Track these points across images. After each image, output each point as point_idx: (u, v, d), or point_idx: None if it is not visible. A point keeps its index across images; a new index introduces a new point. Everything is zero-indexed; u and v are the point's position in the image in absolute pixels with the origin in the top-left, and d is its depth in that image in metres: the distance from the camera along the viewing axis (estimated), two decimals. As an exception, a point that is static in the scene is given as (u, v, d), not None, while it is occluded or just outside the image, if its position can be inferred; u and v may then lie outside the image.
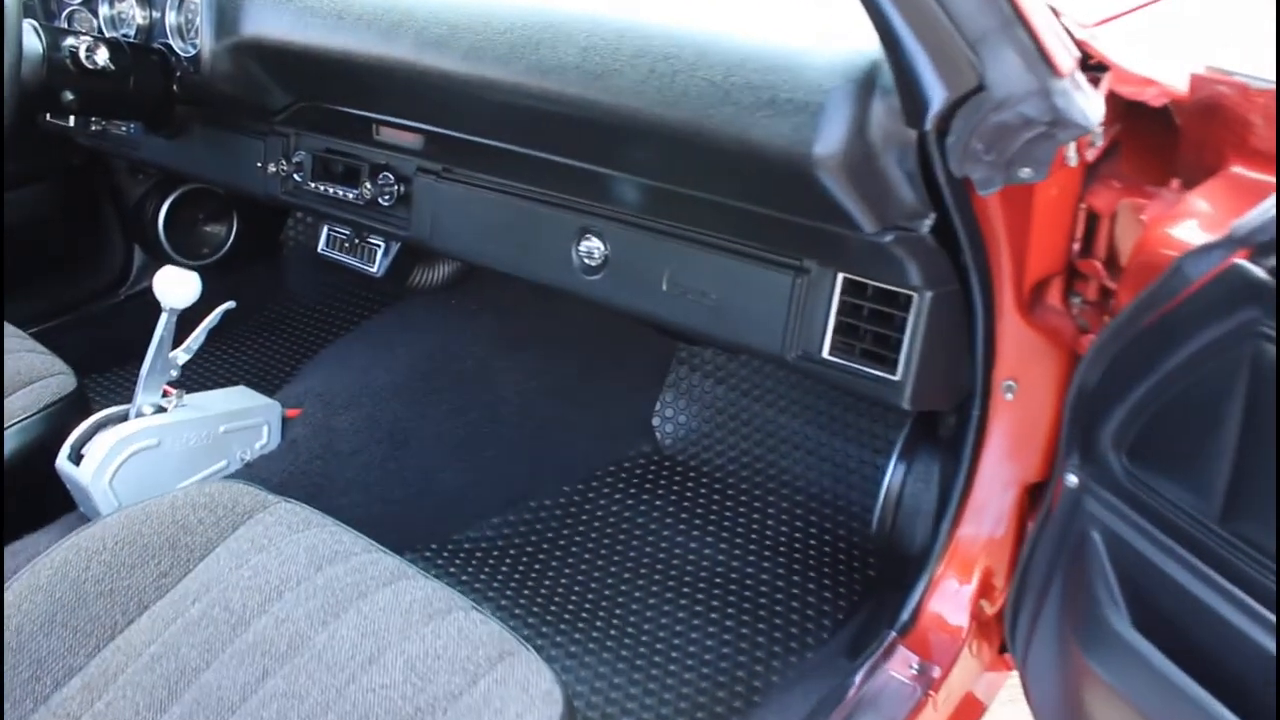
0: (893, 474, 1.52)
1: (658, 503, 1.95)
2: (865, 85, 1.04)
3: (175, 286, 1.58)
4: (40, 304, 2.37)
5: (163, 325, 1.60)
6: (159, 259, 2.47)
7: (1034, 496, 1.33)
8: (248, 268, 2.60)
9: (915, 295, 1.23)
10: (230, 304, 1.68)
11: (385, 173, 1.69)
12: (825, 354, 1.31)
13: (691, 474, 2.02)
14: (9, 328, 1.76)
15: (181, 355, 1.64)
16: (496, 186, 1.56)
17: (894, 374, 1.26)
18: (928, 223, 1.14)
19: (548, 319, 2.05)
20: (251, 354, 2.44)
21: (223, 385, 1.76)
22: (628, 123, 1.22)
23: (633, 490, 1.97)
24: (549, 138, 1.39)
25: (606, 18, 1.22)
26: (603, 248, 1.46)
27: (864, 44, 1.06)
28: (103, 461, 1.53)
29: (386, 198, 1.68)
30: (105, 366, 2.37)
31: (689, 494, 1.98)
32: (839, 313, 1.30)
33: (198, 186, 2.44)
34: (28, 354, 1.68)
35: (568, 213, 1.49)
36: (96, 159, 2.34)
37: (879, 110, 1.05)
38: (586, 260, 1.48)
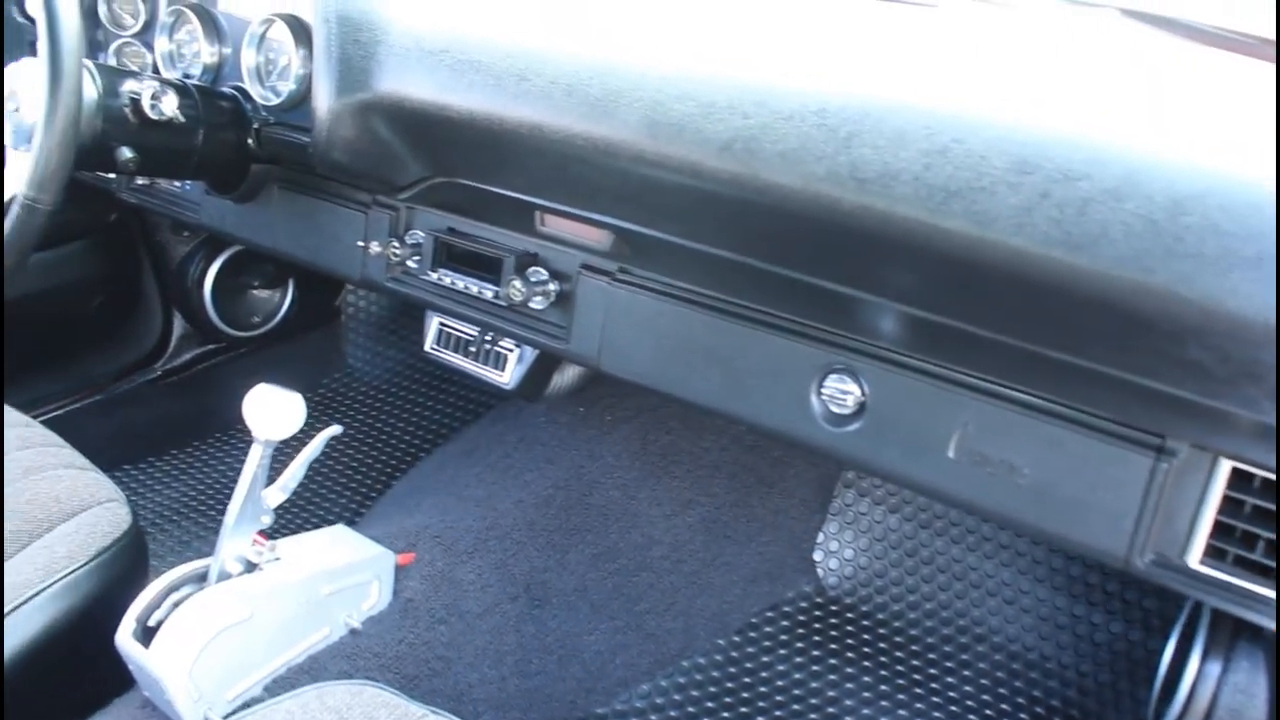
0: (1199, 674, 1.18)
1: (826, 658, 1.62)
2: None
3: (275, 411, 1.24)
4: (64, 381, 2.05)
5: (255, 461, 1.27)
6: (202, 329, 2.14)
7: None
8: (302, 339, 2.25)
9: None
10: (336, 429, 1.33)
11: (537, 267, 1.34)
12: (1194, 563, 0.97)
13: (863, 621, 1.69)
14: (42, 431, 1.42)
15: (276, 495, 1.30)
16: (698, 298, 1.21)
17: None
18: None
19: (694, 432, 1.71)
20: (327, 454, 2.08)
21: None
22: (968, 256, 0.87)
23: (797, 643, 1.63)
24: (805, 253, 1.05)
25: (966, 112, 0.87)
26: (858, 392, 1.11)
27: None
28: (182, 646, 1.18)
29: (538, 300, 1.33)
30: (139, 457, 2.05)
31: (860, 647, 1.65)
32: (1219, 511, 0.96)
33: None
34: (66, 471, 1.35)
35: (808, 342, 1.14)
36: (135, 212, 1.99)
37: None
38: (833, 407, 1.13)
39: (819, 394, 1.14)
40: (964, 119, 0.86)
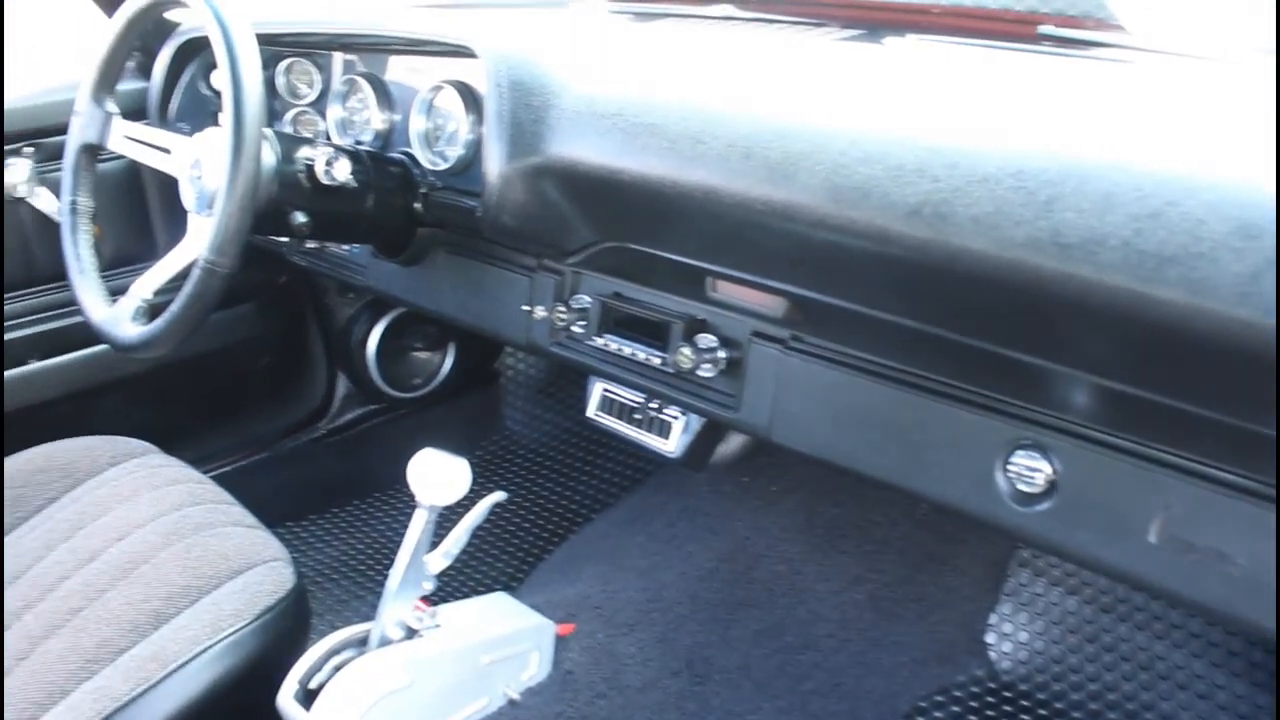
0: None
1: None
2: None
3: (440, 477, 1.22)
4: (233, 438, 2.10)
5: (419, 526, 1.26)
6: (365, 390, 2.17)
7: None
8: (462, 401, 2.26)
9: None
10: (501, 495, 1.32)
11: (707, 334, 1.30)
12: None
13: (1038, 709, 1.58)
14: (214, 488, 1.44)
15: (439, 561, 1.29)
16: (876, 368, 1.16)
17: None
18: None
19: (863, 505, 1.64)
20: (487, 518, 2.08)
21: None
22: (1180, 327, 0.81)
23: (967, 731, 1.54)
24: (996, 322, 0.99)
25: (1181, 173, 0.81)
26: (1049, 470, 1.04)
27: None
28: (343, 711, 1.18)
29: (707, 368, 1.29)
30: (301, 514, 2.08)
31: (1036, 738, 1.54)
32: None
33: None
34: (235, 529, 1.36)
35: (995, 416, 1.08)
36: (304, 275, 2.04)
37: None
38: (1021, 485, 1.06)
39: (1005, 471, 1.07)
40: (1179, 180, 0.80)
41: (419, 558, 1.27)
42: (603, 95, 1.20)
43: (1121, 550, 1.00)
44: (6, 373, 1.81)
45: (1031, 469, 1.05)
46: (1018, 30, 1.31)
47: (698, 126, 1.09)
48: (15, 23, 1.92)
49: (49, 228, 1.70)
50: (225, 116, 1.25)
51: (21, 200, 1.74)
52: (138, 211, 1.92)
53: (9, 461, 1.50)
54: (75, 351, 1.82)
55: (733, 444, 1.72)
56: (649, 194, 1.15)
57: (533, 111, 1.25)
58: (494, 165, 1.28)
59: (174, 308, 1.29)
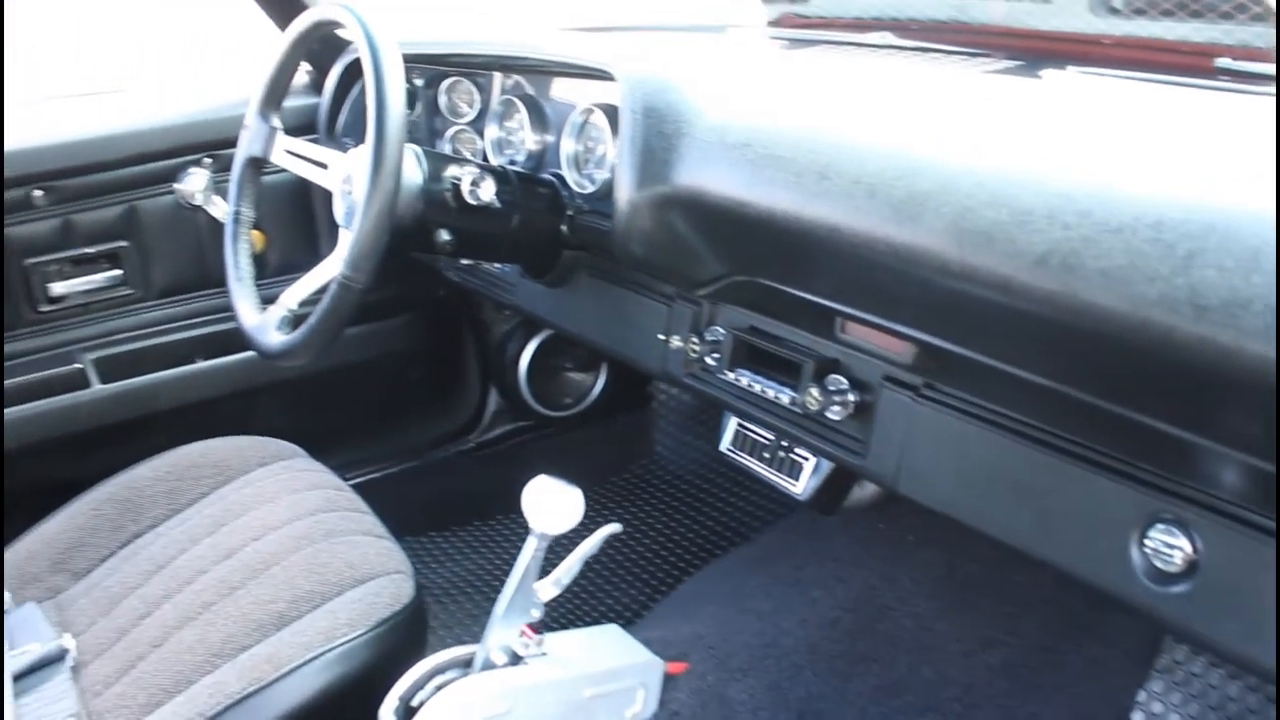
0: None
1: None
2: None
3: (552, 506, 1.21)
4: (380, 447, 2.16)
5: (530, 552, 1.25)
6: (516, 406, 2.19)
7: None
8: (612, 422, 2.25)
9: None
10: (616, 528, 1.29)
11: (837, 375, 1.25)
12: None
13: (1186, 804, 1.46)
14: (350, 496, 1.48)
15: (549, 589, 1.27)
16: (1009, 423, 1.08)
17: None
18: None
19: (1004, 563, 1.55)
20: (614, 546, 2.06)
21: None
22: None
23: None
24: (1128, 386, 0.91)
25: None
26: (1189, 548, 0.95)
27: None
28: (440, 732, 1.16)
29: (836, 410, 1.24)
30: (440, 526, 2.12)
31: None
32: None
33: None
34: (364, 538, 1.39)
35: (1133, 485, 0.99)
36: (461, 290, 2.07)
37: None
38: (1158, 562, 0.97)
39: (1141, 546, 0.98)
40: None
41: (528, 584, 1.26)
42: (734, 124, 1.17)
43: (1267, 646, 0.91)
44: (173, 370, 1.90)
45: (1170, 545, 0.96)
46: (1193, 63, 1.22)
47: (824, 160, 1.04)
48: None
49: (221, 235, 1.78)
50: (369, 134, 1.27)
51: (199, 208, 1.82)
52: (304, 222, 1.99)
53: (171, 455, 1.57)
54: (236, 354, 1.89)
55: (869, 488, 1.65)
56: (774, 229, 1.11)
57: (664, 139, 1.23)
58: (624, 193, 1.26)
59: (311, 320, 1.32)
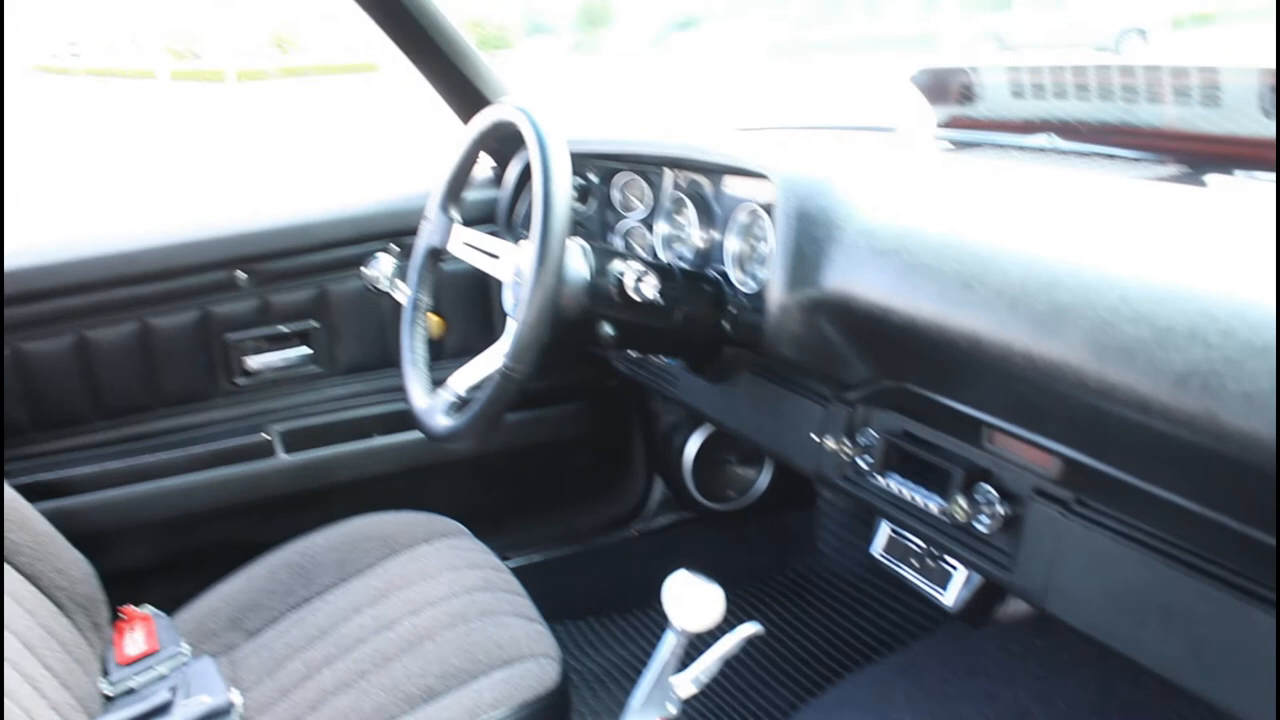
0: None
1: None
2: None
3: (693, 602, 1.21)
4: (543, 529, 2.22)
5: (669, 648, 1.24)
6: (680, 497, 2.20)
7: None
8: (776, 517, 2.24)
9: None
10: (756, 628, 1.28)
11: (986, 484, 1.22)
12: None
13: None
14: (507, 577, 1.52)
15: (686, 686, 1.27)
16: (1163, 546, 1.03)
17: None
18: None
19: (1170, 691, 1.45)
20: (762, 645, 2.04)
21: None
22: None
23: None
24: (1271, 516, 0.86)
25: None
26: (1355, 691, 0.89)
27: None
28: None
29: (984, 521, 1.21)
30: (594, 612, 2.14)
31: None
32: None
33: None
34: (515, 620, 1.43)
35: (1291, 621, 0.93)
36: (631, 380, 2.11)
37: None
38: (1322, 705, 0.91)
39: (1303, 686, 0.92)
40: None
41: (665, 679, 1.26)
42: (883, 231, 1.17)
43: None
44: (352, 444, 2.00)
45: (1335, 688, 0.90)
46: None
47: (968, 270, 1.03)
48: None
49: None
50: (534, 229, 1.32)
51: (384, 293, 1.93)
52: (481, 308, 2.07)
53: (344, 525, 1.65)
54: (410, 432, 1.98)
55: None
56: (918, 337, 1.10)
57: (815, 243, 1.24)
58: (775, 295, 1.28)
59: (474, 406, 1.37)
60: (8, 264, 1.80)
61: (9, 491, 1.38)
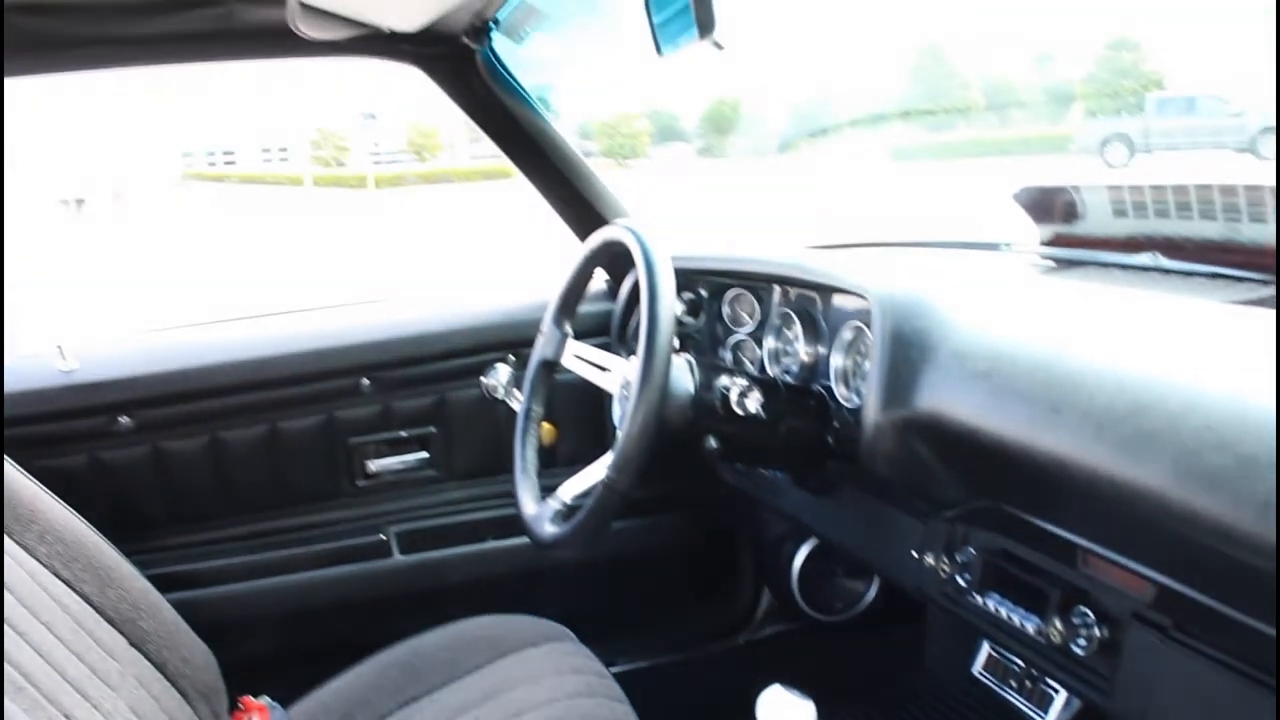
0: None
1: None
2: None
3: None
4: (647, 637, 2.22)
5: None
6: (787, 607, 2.20)
7: None
8: (885, 630, 2.21)
9: None
10: None
11: (1083, 606, 1.20)
12: None
13: None
14: (609, 684, 1.55)
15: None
16: (1262, 675, 1.01)
17: None
18: None
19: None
20: None
21: None
22: None
23: None
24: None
25: None
26: None
27: None
28: None
29: (1081, 643, 1.19)
30: None
31: None
32: None
33: None
34: None
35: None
36: (738, 491, 2.13)
37: None
38: None
39: None
40: None
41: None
42: (976, 353, 1.19)
43: None
44: (465, 547, 2.07)
45: None
46: None
47: (1056, 395, 1.05)
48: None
49: (517, 425, 1.94)
50: (640, 345, 1.37)
51: (501, 401, 2.00)
52: (594, 418, 2.12)
53: (454, 627, 1.69)
54: (521, 537, 2.03)
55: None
56: (1006, 459, 1.11)
57: (909, 364, 1.26)
58: (870, 413, 1.30)
59: (579, 516, 1.41)
60: (154, 368, 1.92)
61: (142, 580, 1.46)
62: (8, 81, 1.77)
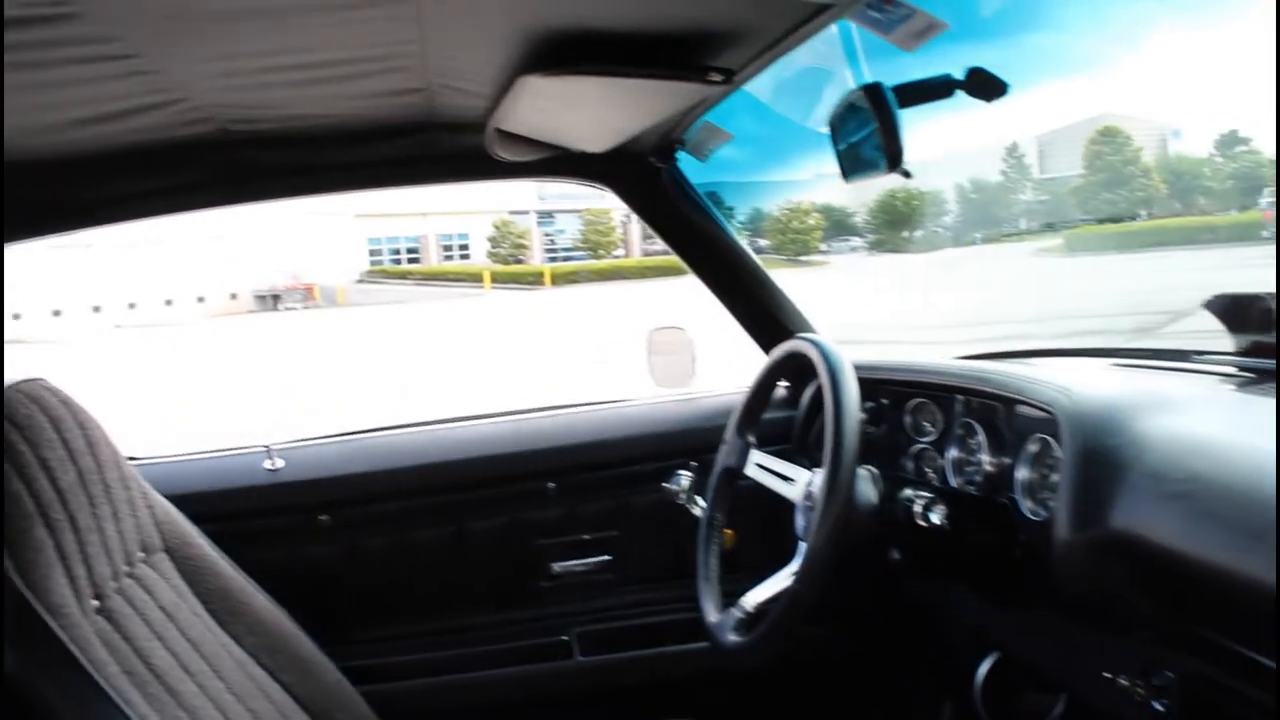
0: None
1: None
2: None
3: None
4: None
5: None
6: (970, 723, 2.13)
7: None
8: (1072, 746, 2.13)
9: None
10: None
11: None
12: None
13: None
14: None
15: None
16: None
17: None
18: None
19: None
20: None
21: None
22: None
23: None
24: None
25: None
26: None
27: None
28: None
29: None
30: None
31: None
32: None
33: None
34: None
35: None
36: (921, 602, 2.10)
37: None
38: None
39: None
40: None
41: None
42: (1170, 473, 1.17)
43: None
44: (644, 650, 2.11)
45: None
46: None
47: (1259, 521, 1.02)
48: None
49: (697, 531, 1.97)
50: (825, 458, 1.39)
51: (682, 507, 2.03)
52: (776, 525, 2.13)
53: None
54: (700, 641, 2.05)
55: None
56: (1203, 581, 1.08)
57: (1101, 483, 1.25)
58: (1060, 531, 1.28)
59: (763, 626, 1.43)
60: (353, 469, 2.04)
61: (337, 673, 1.53)
62: (243, 207, 1.93)
